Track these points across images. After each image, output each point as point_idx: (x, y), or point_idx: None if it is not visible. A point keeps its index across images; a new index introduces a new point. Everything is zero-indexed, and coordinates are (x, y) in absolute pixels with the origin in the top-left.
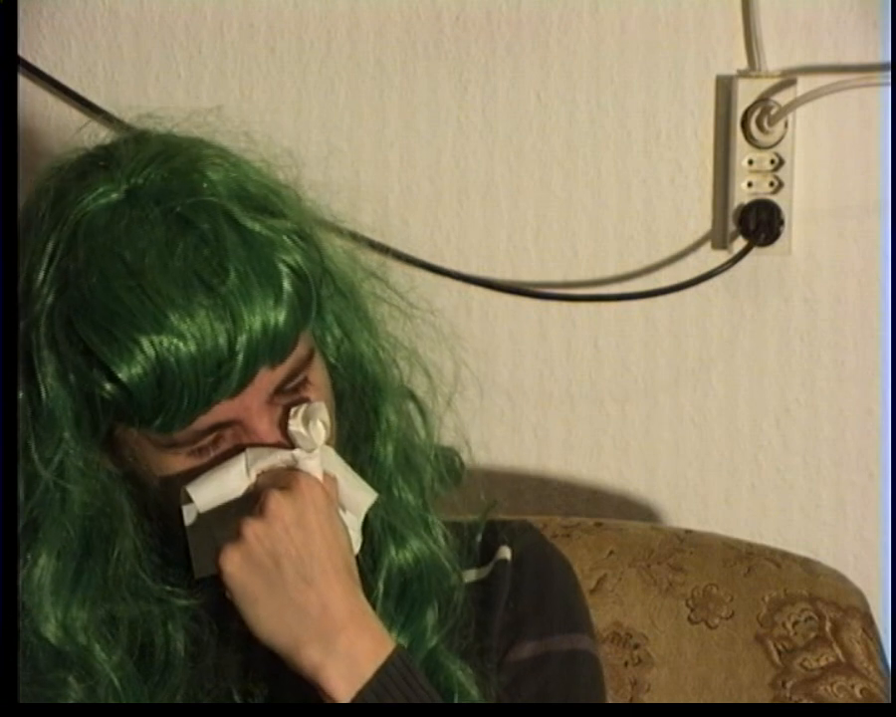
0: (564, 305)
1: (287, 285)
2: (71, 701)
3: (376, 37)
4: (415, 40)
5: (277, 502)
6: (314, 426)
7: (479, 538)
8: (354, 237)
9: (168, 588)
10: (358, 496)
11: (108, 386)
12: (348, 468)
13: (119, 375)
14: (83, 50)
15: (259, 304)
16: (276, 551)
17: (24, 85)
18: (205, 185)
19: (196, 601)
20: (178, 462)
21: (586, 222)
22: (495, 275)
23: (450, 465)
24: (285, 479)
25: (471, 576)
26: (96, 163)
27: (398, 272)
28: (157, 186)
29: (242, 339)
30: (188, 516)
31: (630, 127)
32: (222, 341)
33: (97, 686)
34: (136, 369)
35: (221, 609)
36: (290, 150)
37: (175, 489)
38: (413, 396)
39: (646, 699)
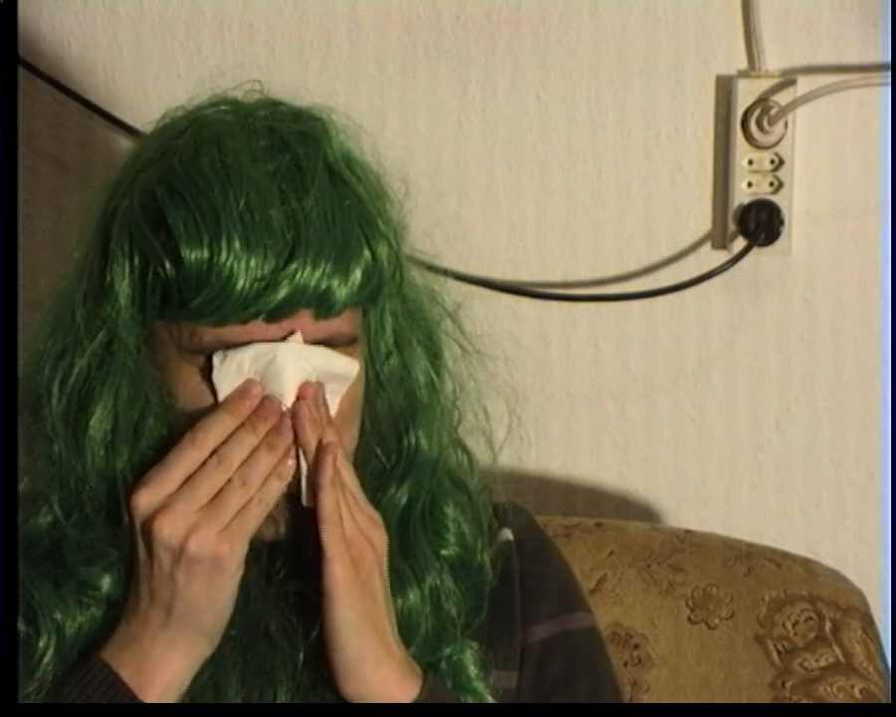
0: (564, 305)
1: (357, 252)
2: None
3: (376, 37)
4: (415, 40)
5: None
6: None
7: (485, 525)
8: None
9: None
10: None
11: (166, 262)
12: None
13: (178, 241)
14: (83, 50)
15: (326, 248)
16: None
17: (24, 85)
18: (320, 132)
19: None
20: (197, 381)
21: (586, 222)
22: (495, 275)
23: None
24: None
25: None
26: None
27: None
28: (277, 119)
29: (296, 263)
30: None
31: (630, 127)
32: (278, 250)
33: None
34: (193, 236)
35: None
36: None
37: (186, 414)
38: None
39: (646, 699)
